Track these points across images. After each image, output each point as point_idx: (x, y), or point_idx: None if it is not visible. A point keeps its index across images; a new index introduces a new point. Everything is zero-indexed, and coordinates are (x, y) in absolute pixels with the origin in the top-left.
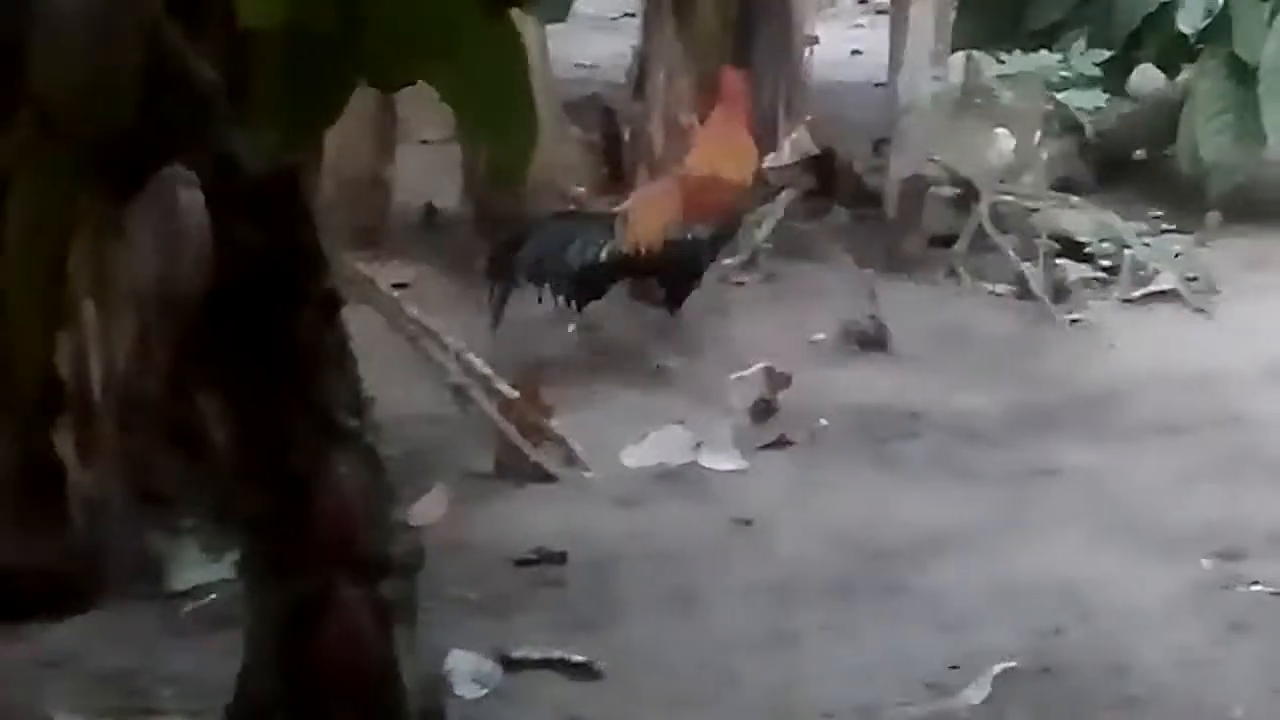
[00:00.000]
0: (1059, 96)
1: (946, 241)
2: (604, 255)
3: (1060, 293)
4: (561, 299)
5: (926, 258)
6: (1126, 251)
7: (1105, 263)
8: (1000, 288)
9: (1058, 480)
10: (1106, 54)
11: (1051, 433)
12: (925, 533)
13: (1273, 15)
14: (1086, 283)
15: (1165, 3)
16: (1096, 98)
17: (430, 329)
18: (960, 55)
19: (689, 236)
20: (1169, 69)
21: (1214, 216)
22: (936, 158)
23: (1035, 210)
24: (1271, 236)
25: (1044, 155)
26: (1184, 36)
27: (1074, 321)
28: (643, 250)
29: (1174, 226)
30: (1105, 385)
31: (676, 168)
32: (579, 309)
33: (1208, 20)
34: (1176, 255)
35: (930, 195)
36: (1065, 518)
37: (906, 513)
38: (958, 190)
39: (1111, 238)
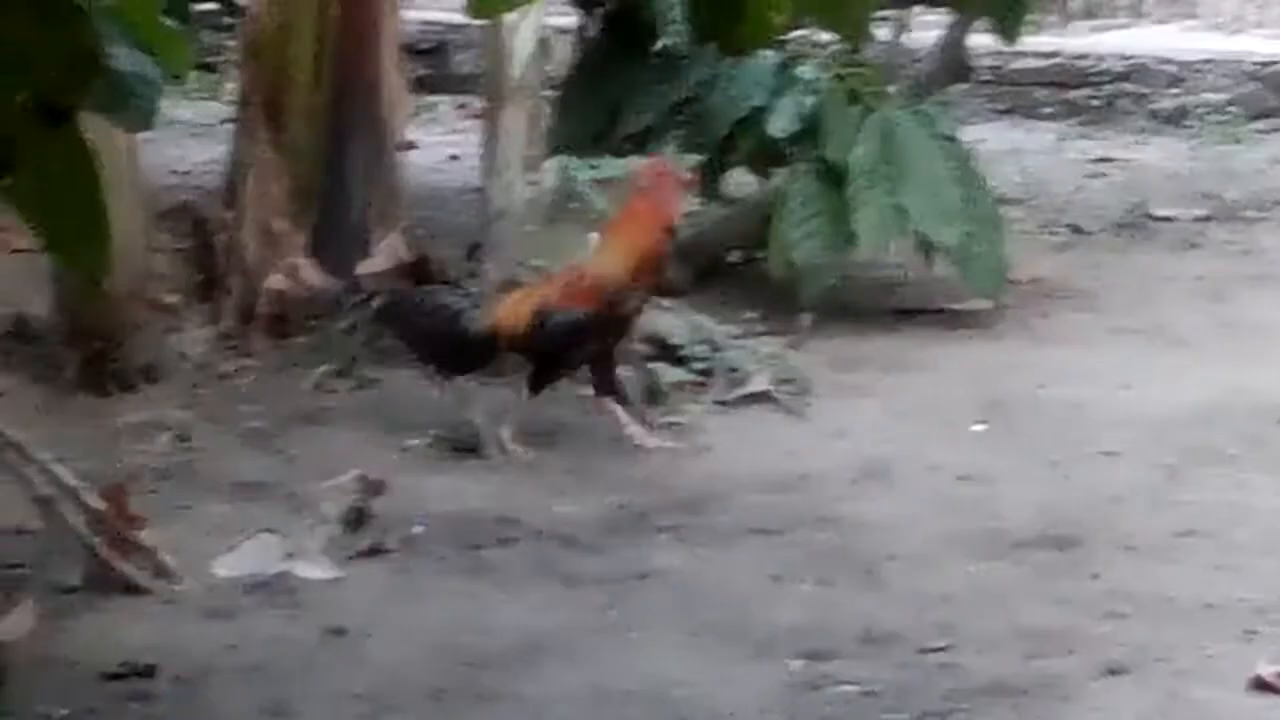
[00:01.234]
0: None
1: None
2: (472, 329)
3: (654, 395)
4: (432, 369)
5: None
6: (720, 354)
7: (699, 365)
8: None
9: (653, 584)
10: (699, 158)
11: (647, 536)
12: (522, 639)
13: (862, 120)
14: (681, 385)
15: (757, 107)
16: (688, 201)
17: (14, 441)
18: (554, 160)
19: (557, 320)
20: (762, 172)
21: (806, 319)
22: (530, 262)
23: None
24: (862, 338)
25: None
26: (776, 140)
27: (669, 424)
28: (505, 329)
29: (767, 329)
30: (700, 488)
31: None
32: (447, 379)
33: (799, 125)
34: (770, 358)
35: None
36: (660, 621)
37: (503, 619)
38: None
39: (705, 340)
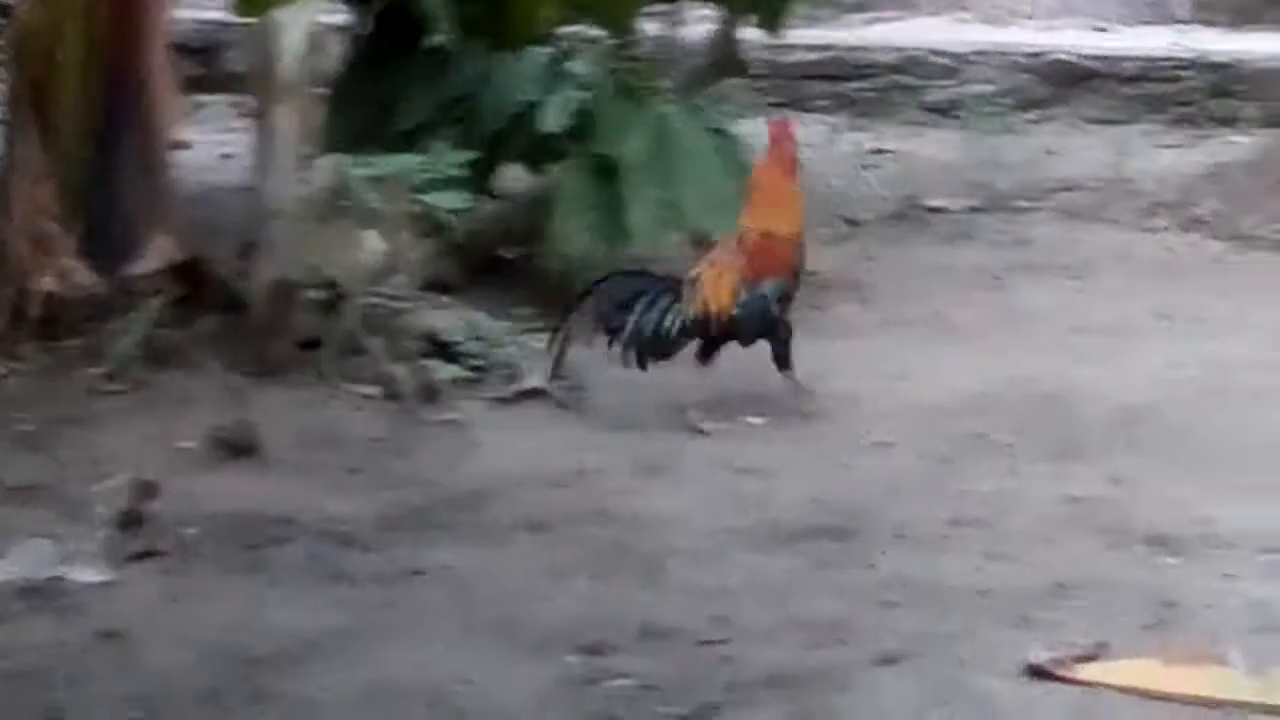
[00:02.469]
0: (424, 198)
1: (316, 345)
2: (675, 321)
3: (430, 393)
4: (632, 357)
5: (296, 361)
6: (496, 351)
7: (474, 362)
8: (370, 389)
9: (429, 581)
10: (472, 154)
11: (423, 533)
12: (298, 639)
13: (634, 114)
14: (456, 382)
15: (530, 103)
16: (461, 198)
17: None
18: (326, 158)
19: (758, 294)
20: (535, 168)
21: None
22: (305, 261)
23: (404, 311)
24: None
25: (413, 256)
26: (549, 136)
27: (444, 422)
28: (714, 314)
29: (543, 324)
30: (476, 484)
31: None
32: (643, 368)
33: (571, 120)
34: (545, 353)
35: (299, 299)
36: (436, 618)
37: (279, 619)
38: (326, 293)
39: (481, 337)
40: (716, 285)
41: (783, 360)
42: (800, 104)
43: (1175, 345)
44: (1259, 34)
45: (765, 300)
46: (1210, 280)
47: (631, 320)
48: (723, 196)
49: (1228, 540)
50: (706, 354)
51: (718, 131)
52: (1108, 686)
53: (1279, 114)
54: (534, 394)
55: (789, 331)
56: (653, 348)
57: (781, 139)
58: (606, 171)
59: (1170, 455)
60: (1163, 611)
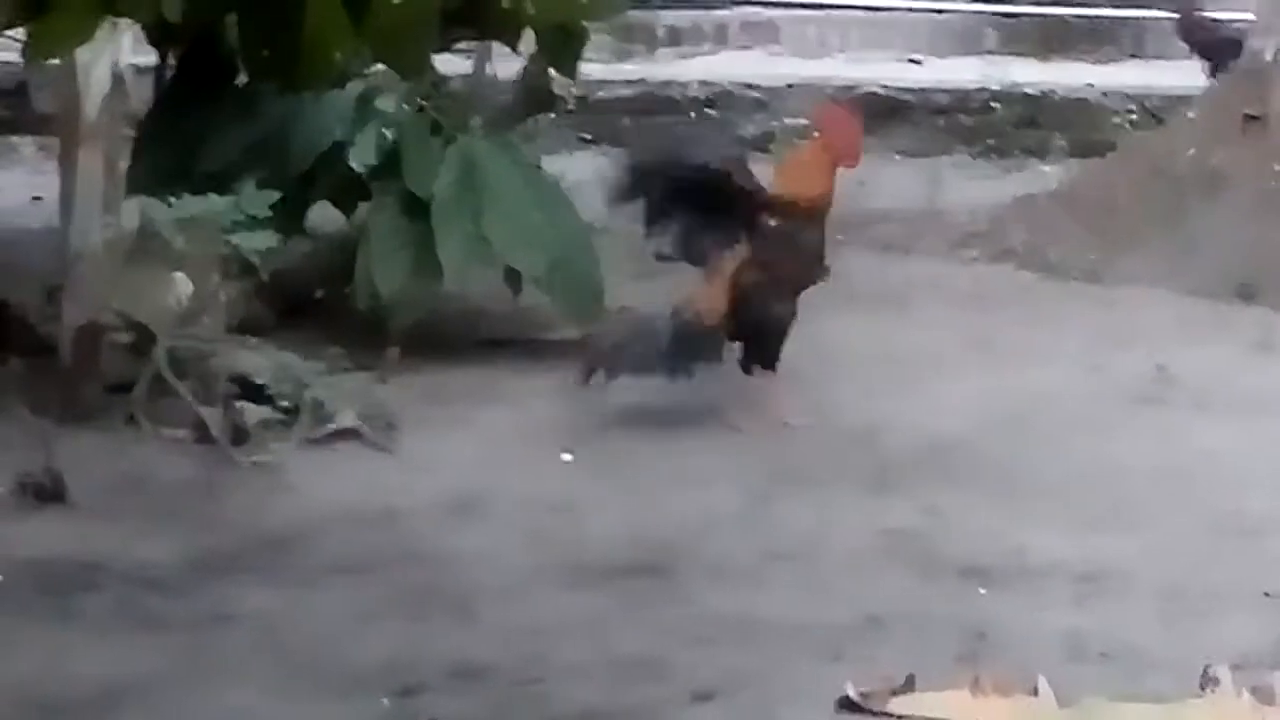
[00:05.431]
0: (232, 238)
1: (125, 388)
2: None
3: (240, 435)
4: (665, 375)
5: (105, 405)
6: (307, 391)
7: (285, 404)
8: (180, 433)
9: (240, 625)
10: (280, 194)
11: (233, 577)
12: (105, 686)
13: (444, 151)
14: (267, 424)
15: (338, 141)
16: (269, 238)
17: None
18: (135, 199)
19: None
20: (345, 207)
21: (393, 352)
22: (112, 304)
23: (214, 354)
24: (452, 370)
25: (222, 297)
26: (358, 174)
27: (255, 464)
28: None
29: (355, 364)
30: (287, 527)
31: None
32: (690, 375)
33: (380, 158)
34: (357, 393)
35: (107, 342)
36: (247, 663)
37: (86, 667)
38: (134, 336)
39: (291, 378)
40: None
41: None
42: (611, 139)
43: (988, 376)
44: (1066, 64)
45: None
46: (1021, 310)
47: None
48: (534, 231)
49: (1039, 570)
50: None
51: (528, 166)
52: (919, 719)
53: (1086, 144)
54: (346, 434)
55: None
56: (677, 356)
57: (832, 126)
58: (416, 209)
59: (983, 485)
60: (975, 643)
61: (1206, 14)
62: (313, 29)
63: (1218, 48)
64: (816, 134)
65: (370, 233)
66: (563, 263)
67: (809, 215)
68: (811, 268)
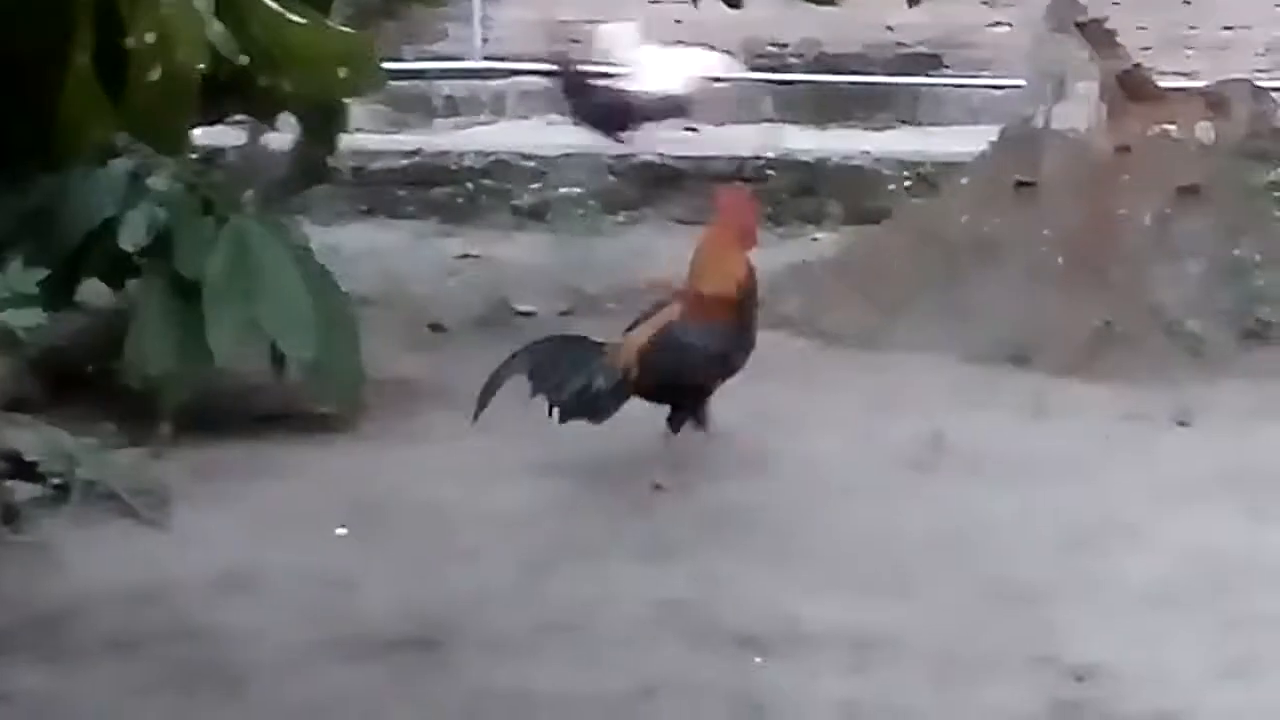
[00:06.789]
0: None
1: None
2: (601, 381)
3: (10, 514)
4: (557, 415)
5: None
6: (78, 468)
7: (56, 481)
8: None
9: (11, 705)
10: (47, 271)
11: (4, 657)
12: None
13: (215, 231)
14: (39, 502)
15: (109, 218)
16: (37, 315)
17: None
18: None
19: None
20: (115, 283)
21: (165, 428)
22: None
23: None
24: (224, 445)
25: None
26: (128, 252)
27: (25, 543)
28: (631, 370)
29: (127, 440)
30: (58, 605)
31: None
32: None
33: (150, 237)
34: (129, 469)
35: None
36: None
37: None
38: None
39: (62, 455)
40: (641, 334)
41: (684, 421)
42: (388, 210)
43: (765, 443)
44: (841, 131)
45: (680, 341)
46: (797, 378)
47: (558, 379)
48: (302, 315)
49: (815, 638)
50: (673, 420)
51: (298, 248)
52: None
53: (861, 211)
54: (117, 510)
55: (706, 392)
56: (578, 408)
57: (732, 208)
58: (187, 289)
59: (759, 553)
60: (750, 713)
61: (589, 71)
62: (69, 108)
63: (599, 113)
64: (717, 220)
65: (140, 312)
66: (329, 345)
67: (735, 304)
68: (737, 356)
